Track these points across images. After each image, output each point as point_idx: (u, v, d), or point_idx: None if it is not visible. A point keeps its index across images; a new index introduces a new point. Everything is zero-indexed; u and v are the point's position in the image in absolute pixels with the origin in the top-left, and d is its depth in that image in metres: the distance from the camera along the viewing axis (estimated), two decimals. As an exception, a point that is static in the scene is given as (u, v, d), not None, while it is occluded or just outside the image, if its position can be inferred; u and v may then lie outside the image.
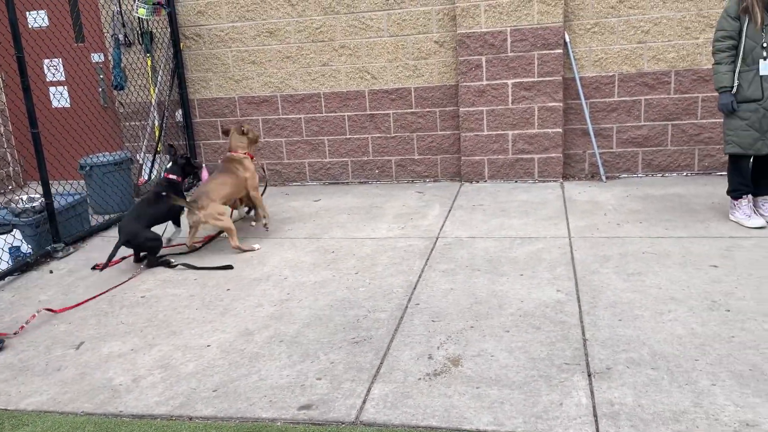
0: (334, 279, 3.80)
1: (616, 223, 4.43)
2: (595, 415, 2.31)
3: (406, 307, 3.34)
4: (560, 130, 5.65)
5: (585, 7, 5.47)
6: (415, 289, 3.56)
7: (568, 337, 2.88)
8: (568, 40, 5.52)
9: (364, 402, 2.51)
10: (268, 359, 2.90)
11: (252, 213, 5.20)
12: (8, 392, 2.80)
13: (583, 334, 2.91)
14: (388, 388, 2.59)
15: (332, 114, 6.16)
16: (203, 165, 5.05)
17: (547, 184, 5.67)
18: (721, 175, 5.47)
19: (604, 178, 5.70)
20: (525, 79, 5.60)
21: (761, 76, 3.98)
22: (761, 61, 3.97)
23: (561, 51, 5.47)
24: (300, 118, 6.24)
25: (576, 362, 2.67)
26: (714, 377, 2.49)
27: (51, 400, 2.70)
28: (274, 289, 3.71)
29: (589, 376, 2.56)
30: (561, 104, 5.59)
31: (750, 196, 4.23)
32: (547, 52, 5.49)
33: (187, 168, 4.59)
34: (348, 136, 6.19)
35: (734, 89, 4.06)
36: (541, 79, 5.56)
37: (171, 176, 4.48)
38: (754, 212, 4.21)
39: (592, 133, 5.68)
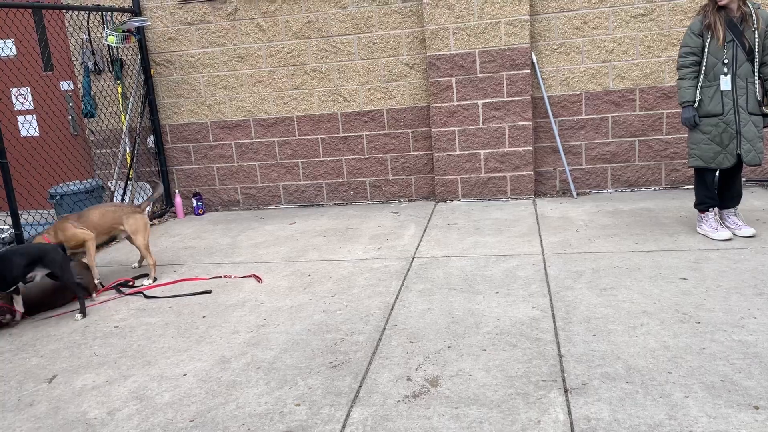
0: (310, 302, 3.79)
1: (587, 238, 4.51)
2: (572, 431, 2.33)
3: (384, 328, 3.35)
4: (531, 148, 5.74)
5: (551, 29, 5.61)
6: (392, 310, 3.57)
7: (544, 354, 2.91)
8: (535, 60, 5.65)
9: (343, 427, 2.50)
10: (245, 387, 2.88)
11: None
12: (-22, 430, 2.73)
13: (559, 350, 2.94)
14: (368, 411, 2.59)
15: (306, 137, 6.19)
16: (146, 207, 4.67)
17: (519, 202, 5.75)
18: (687, 188, 5.61)
19: (575, 194, 5.81)
20: (495, 99, 5.70)
21: (722, 92, 4.11)
22: (722, 77, 4.10)
23: (529, 71, 5.59)
24: (273, 141, 6.25)
25: (552, 378, 2.70)
26: (687, 389, 2.53)
27: (23, 437, 2.64)
28: (250, 315, 3.69)
29: (566, 392, 2.59)
30: (531, 123, 5.69)
31: (716, 209, 4.35)
32: (516, 72, 5.61)
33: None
34: (322, 159, 6.21)
35: (696, 104, 4.19)
36: (510, 98, 5.67)
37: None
38: (720, 225, 4.32)
39: (561, 151, 5.79)
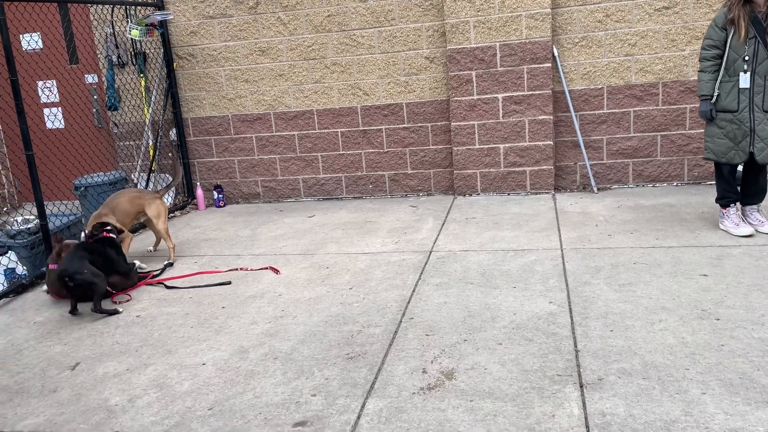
0: (328, 295, 3.82)
1: (607, 233, 4.47)
2: (587, 426, 2.33)
3: (400, 321, 3.36)
4: (551, 142, 5.71)
5: (573, 22, 5.55)
6: (409, 303, 3.59)
7: (561, 349, 2.91)
8: (556, 54, 5.60)
9: (358, 417, 2.52)
10: (263, 376, 2.92)
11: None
12: (4, 414, 2.80)
13: (575, 345, 2.93)
14: (383, 403, 2.61)
15: (325, 130, 6.21)
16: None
17: (539, 196, 5.72)
18: (710, 184, 5.53)
19: (595, 189, 5.76)
20: (515, 93, 5.67)
21: (740, 89, 4.05)
22: (741, 73, 4.03)
23: (550, 65, 5.54)
24: (293, 134, 6.29)
25: (568, 373, 2.69)
26: (704, 386, 2.51)
27: (47, 422, 2.71)
28: (268, 306, 3.73)
29: (581, 387, 2.59)
30: (551, 117, 5.65)
31: (738, 204, 4.29)
32: (536, 66, 5.56)
33: None
34: (341, 152, 6.24)
35: (714, 98, 4.13)
36: (530, 92, 5.63)
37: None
38: (742, 221, 4.26)
39: (582, 145, 5.74)
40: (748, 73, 4.01)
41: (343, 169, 6.28)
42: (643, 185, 5.76)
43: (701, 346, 2.82)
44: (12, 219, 4.67)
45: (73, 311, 3.87)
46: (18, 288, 4.32)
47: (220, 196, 6.41)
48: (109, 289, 3.96)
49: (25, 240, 4.46)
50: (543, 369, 2.75)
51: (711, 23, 4.15)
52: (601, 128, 5.73)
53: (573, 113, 5.69)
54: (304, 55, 6.06)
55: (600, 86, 5.64)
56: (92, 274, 3.80)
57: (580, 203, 5.38)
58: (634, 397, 2.48)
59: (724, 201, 4.29)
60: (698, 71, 4.21)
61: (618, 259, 3.96)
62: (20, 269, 4.43)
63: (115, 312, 3.84)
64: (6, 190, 7.06)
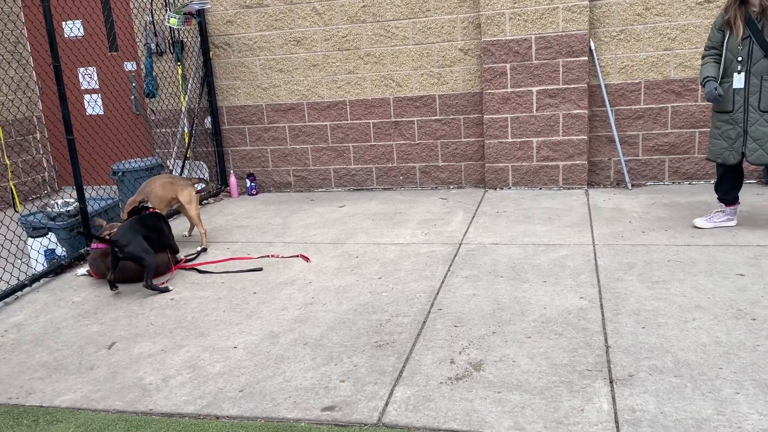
0: (357, 284, 3.85)
1: (641, 230, 4.41)
2: (616, 422, 2.31)
3: (429, 312, 3.38)
4: (585, 137, 5.64)
5: (611, 15, 5.46)
6: (437, 294, 3.60)
7: (591, 344, 2.89)
8: (593, 47, 5.52)
9: (386, 404, 2.55)
10: (292, 361, 2.96)
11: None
12: (43, 390, 2.90)
13: (606, 341, 2.91)
14: (410, 391, 2.63)
15: (357, 121, 6.24)
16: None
17: (571, 192, 5.66)
18: (748, 183, 5.41)
19: (629, 185, 5.67)
20: (550, 87, 5.61)
21: (734, 89, 4.05)
22: (735, 74, 4.03)
23: (586, 58, 5.47)
24: (326, 125, 6.33)
25: (598, 369, 2.67)
26: (738, 386, 2.47)
27: (84, 398, 2.80)
28: (299, 293, 3.78)
29: (611, 382, 2.57)
30: (586, 111, 5.58)
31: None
32: (572, 59, 5.49)
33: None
34: (373, 143, 6.26)
35: (719, 80, 4.10)
36: (566, 86, 5.56)
37: None
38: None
39: (617, 141, 5.66)
40: (743, 74, 4.01)
41: (374, 160, 6.30)
42: (679, 182, 5.66)
43: (736, 346, 2.77)
44: (52, 201, 4.80)
45: (113, 286, 3.97)
46: (57, 268, 4.45)
47: (252, 184, 6.49)
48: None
49: (64, 222, 4.58)
50: (572, 363, 2.73)
51: (712, 25, 4.14)
52: (637, 123, 5.64)
53: (609, 108, 5.61)
54: (338, 45, 6.09)
55: (637, 81, 5.54)
56: (143, 249, 3.92)
57: (613, 199, 5.31)
58: (666, 394, 2.45)
59: (728, 198, 4.31)
60: (700, 66, 4.24)
61: (652, 256, 3.90)
62: (60, 250, 4.56)
63: (166, 290, 3.96)
64: (47, 174, 7.25)
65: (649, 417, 2.32)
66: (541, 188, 5.85)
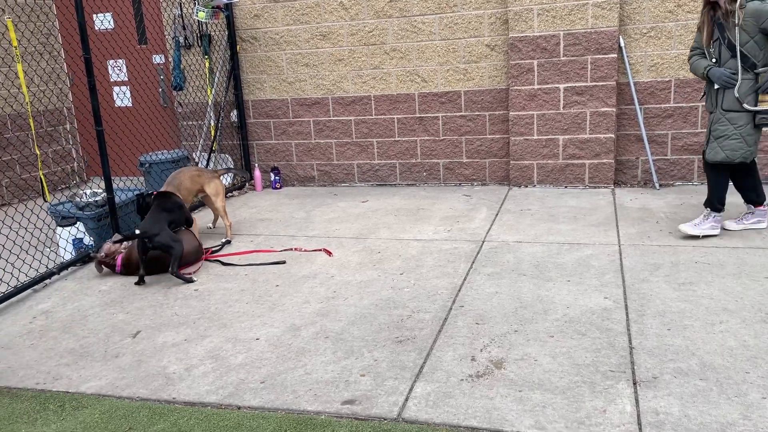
0: (379, 279, 3.85)
1: (668, 231, 4.34)
2: (639, 424, 2.28)
3: (450, 308, 3.37)
4: (613, 135, 5.56)
5: (641, 11, 5.37)
6: (459, 291, 3.59)
7: (614, 345, 2.85)
8: (623, 44, 5.44)
9: (406, 400, 2.55)
10: (313, 354, 2.97)
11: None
12: (70, 376, 2.96)
13: (630, 342, 2.87)
14: (431, 387, 2.63)
15: (382, 116, 6.23)
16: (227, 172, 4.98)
17: (597, 190, 5.60)
18: (782, 184, 5.28)
19: (657, 185, 5.58)
20: (577, 84, 5.54)
21: (714, 90, 4.08)
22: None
23: (615, 55, 5.39)
24: (350, 120, 6.34)
25: (621, 370, 2.64)
26: (765, 390, 2.42)
27: (109, 385, 2.84)
28: (321, 287, 3.79)
29: (635, 384, 2.54)
30: (614, 109, 5.50)
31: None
32: (601, 56, 5.42)
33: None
34: (397, 139, 6.25)
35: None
36: (594, 83, 5.49)
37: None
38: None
39: (645, 140, 5.57)
40: None
41: (397, 155, 6.29)
42: (708, 183, 5.55)
43: (764, 350, 2.72)
44: (81, 192, 4.88)
45: (142, 281, 4.03)
46: (85, 257, 4.53)
47: (276, 178, 6.53)
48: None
49: (92, 212, 4.66)
50: (595, 364, 2.70)
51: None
52: (666, 122, 5.55)
53: (637, 106, 5.52)
54: (364, 40, 6.08)
55: (668, 79, 5.45)
56: (172, 238, 3.99)
57: (640, 199, 5.23)
58: (690, 397, 2.42)
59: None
60: (691, 65, 4.24)
61: (678, 258, 3.84)
62: (87, 240, 4.63)
63: (191, 280, 4.01)
64: (75, 164, 7.38)
65: (672, 420, 2.29)
66: (566, 187, 5.79)
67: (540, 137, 5.74)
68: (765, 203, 4.29)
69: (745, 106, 3.98)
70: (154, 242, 3.96)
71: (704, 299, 3.26)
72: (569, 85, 5.56)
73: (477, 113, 5.96)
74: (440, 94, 6.01)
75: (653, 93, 5.51)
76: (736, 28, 3.92)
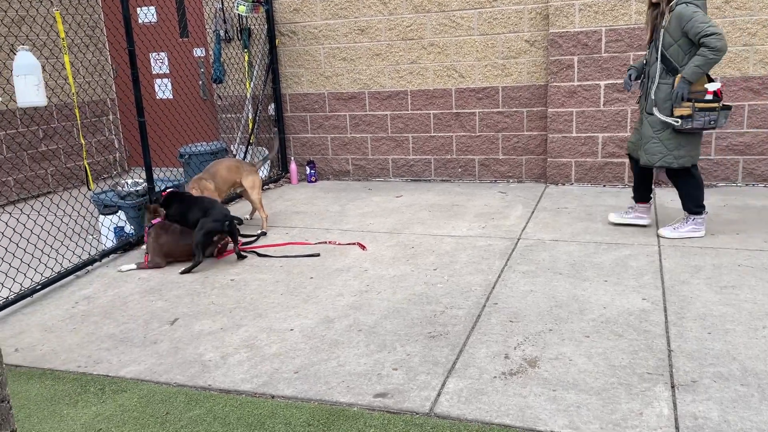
0: (412, 274, 3.85)
1: (710, 232, 4.23)
2: (677, 428, 2.24)
3: (484, 305, 3.35)
4: (654, 134, 5.44)
5: (687, 7, 5.23)
6: (493, 288, 3.56)
7: (652, 347, 2.80)
8: (667, 40, 5.30)
9: (438, 395, 2.55)
10: (346, 346, 2.99)
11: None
12: (110, 360, 3.04)
13: (669, 344, 2.82)
14: (463, 383, 2.62)
15: (418, 111, 6.22)
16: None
17: (636, 190, 5.48)
18: (831, 187, 5.10)
19: (699, 185, 5.44)
20: (619, 81, 5.44)
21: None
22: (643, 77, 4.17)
23: (659, 52, 5.27)
24: (386, 114, 6.34)
25: (659, 373, 2.59)
26: (811, 399, 2.35)
27: (147, 370, 2.91)
28: (354, 280, 3.81)
29: (673, 387, 2.49)
30: (656, 107, 5.38)
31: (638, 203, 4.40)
32: (644, 53, 5.30)
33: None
34: (432, 134, 6.23)
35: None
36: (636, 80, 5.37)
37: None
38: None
39: (688, 139, 5.43)
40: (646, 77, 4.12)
41: (433, 151, 6.27)
42: (753, 184, 5.39)
43: (810, 358, 2.63)
44: (123, 181, 5.00)
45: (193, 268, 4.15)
46: (125, 245, 4.64)
47: (312, 171, 6.58)
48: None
49: (133, 201, 4.76)
50: (632, 366, 2.66)
51: None
52: (710, 121, 5.40)
53: (680, 104, 5.38)
54: (402, 35, 6.07)
55: (713, 77, 5.29)
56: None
57: (681, 199, 5.11)
58: (730, 403, 2.36)
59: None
60: None
61: (721, 260, 3.74)
62: (128, 228, 4.75)
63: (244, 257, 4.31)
64: (118, 154, 7.56)
65: (711, 425, 2.24)
66: (605, 185, 5.69)
67: (579, 135, 5.65)
68: (704, 212, 4.18)
69: (655, 111, 3.99)
70: (233, 225, 4.19)
71: (747, 303, 3.17)
72: (610, 82, 5.46)
73: (514, 109, 5.90)
74: (477, 89, 5.96)
75: (697, 91, 5.36)
76: (662, 30, 3.92)
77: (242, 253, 4.33)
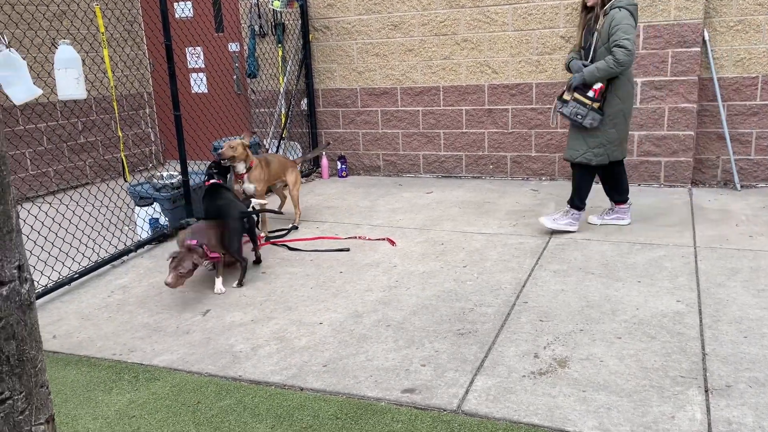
0: (442, 270, 3.85)
1: (748, 234, 4.13)
2: (709, 433, 2.20)
3: (514, 304, 3.33)
4: (692, 133, 5.32)
5: (729, 3, 5.10)
6: (524, 287, 3.54)
7: (686, 350, 2.75)
8: (707, 37, 5.19)
9: (466, 392, 2.54)
10: (375, 341, 3.01)
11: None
12: (144, 349, 3.11)
13: (703, 348, 2.76)
14: (491, 381, 2.61)
15: (450, 107, 6.19)
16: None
17: (673, 189, 5.38)
18: None
19: (738, 186, 5.32)
20: (656, 78, 5.33)
21: None
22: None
23: (698, 49, 5.15)
24: (418, 110, 6.33)
25: (692, 376, 2.54)
26: None
27: (180, 360, 2.97)
28: (383, 276, 3.82)
29: (707, 391, 2.44)
30: (695, 106, 5.27)
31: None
32: (683, 50, 5.19)
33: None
34: (464, 130, 6.20)
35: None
36: (674, 78, 5.27)
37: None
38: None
39: (728, 138, 5.30)
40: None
41: (464, 147, 6.24)
42: (795, 186, 5.24)
43: None
44: (158, 173, 5.09)
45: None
46: (160, 237, 4.73)
47: (343, 166, 6.60)
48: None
49: (168, 193, 4.85)
50: (665, 368, 2.61)
51: None
52: (751, 121, 5.26)
53: (720, 103, 5.26)
54: (435, 30, 6.05)
55: (754, 75, 5.16)
56: None
57: (719, 200, 4.99)
58: (766, 408, 2.30)
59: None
60: None
61: (759, 263, 3.65)
62: (163, 220, 4.83)
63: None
64: (153, 147, 7.70)
65: (746, 431, 2.19)
66: (640, 184, 5.59)
67: (613, 133, 5.55)
68: (628, 202, 4.42)
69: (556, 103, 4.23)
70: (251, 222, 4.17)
71: (786, 308, 3.09)
72: (647, 79, 5.36)
73: (548, 106, 5.83)
74: (511, 85, 5.91)
75: (738, 89, 5.23)
76: (595, 33, 3.99)
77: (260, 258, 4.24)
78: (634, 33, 3.88)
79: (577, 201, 4.32)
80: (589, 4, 4.06)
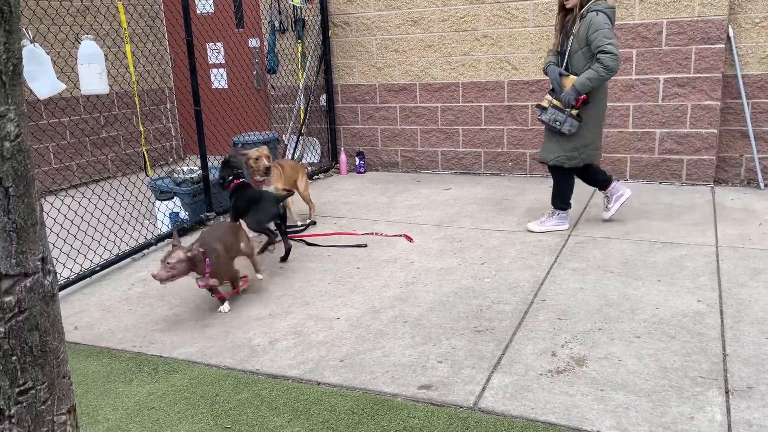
0: (459, 267, 3.84)
1: (772, 234, 4.07)
2: (729, 435, 2.17)
3: (532, 302, 3.31)
4: (715, 131, 5.25)
5: (754, 0, 5.02)
6: (542, 285, 3.52)
7: (706, 350, 2.71)
8: (731, 34, 5.10)
9: (483, 390, 2.54)
10: (392, 337, 3.01)
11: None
12: (163, 341, 3.14)
13: (724, 348, 2.73)
14: (508, 379, 2.60)
15: (469, 104, 6.16)
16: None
17: (695, 188, 5.31)
18: None
19: (762, 185, 5.23)
20: (679, 75, 5.26)
21: None
22: None
23: (723, 46, 5.07)
24: (437, 107, 6.31)
25: (713, 377, 2.51)
26: None
27: (198, 353, 3.00)
28: (400, 272, 3.83)
29: (727, 393, 2.41)
30: (718, 103, 5.19)
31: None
32: (707, 46, 5.11)
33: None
34: (483, 127, 6.17)
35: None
36: (697, 75, 5.19)
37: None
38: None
39: (752, 136, 5.22)
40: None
41: (483, 144, 6.21)
42: (821, 185, 5.14)
43: None
44: (178, 168, 5.14)
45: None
46: (179, 231, 4.77)
47: (361, 162, 6.61)
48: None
49: (188, 188, 4.89)
50: (684, 368, 2.59)
51: None
52: (776, 118, 5.17)
53: (744, 100, 5.18)
54: (455, 26, 6.02)
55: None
56: None
57: (742, 199, 4.92)
58: (789, 412, 2.27)
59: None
60: None
61: (783, 264, 3.59)
62: (183, 214, 4.88)
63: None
64: (174, 142, 7.77)
65: (768, 434, 2.16)
66: (661, 183, 5.53)
67: (635, 130, 5.50)
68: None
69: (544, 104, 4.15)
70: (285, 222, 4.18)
71: (810, 309, 3.04)
72: (670, 76, 5.29)
73: (568, 103, 5.78)
74: (531, 82, 5.87)
75: (763, 87, 5.14)
76: (572, 36, 3.94)
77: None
78: (614, 37, 3.86)
79: (560, 202, 4.34)
80: (567, 6, 3.99)
